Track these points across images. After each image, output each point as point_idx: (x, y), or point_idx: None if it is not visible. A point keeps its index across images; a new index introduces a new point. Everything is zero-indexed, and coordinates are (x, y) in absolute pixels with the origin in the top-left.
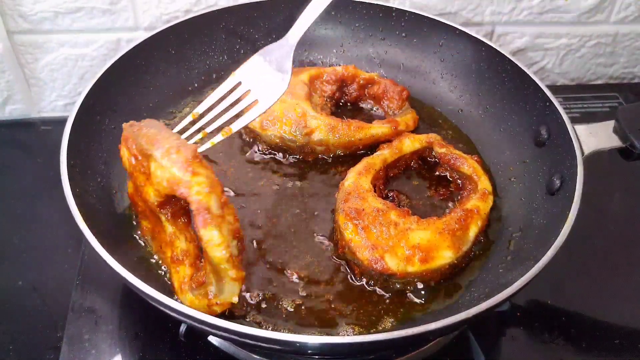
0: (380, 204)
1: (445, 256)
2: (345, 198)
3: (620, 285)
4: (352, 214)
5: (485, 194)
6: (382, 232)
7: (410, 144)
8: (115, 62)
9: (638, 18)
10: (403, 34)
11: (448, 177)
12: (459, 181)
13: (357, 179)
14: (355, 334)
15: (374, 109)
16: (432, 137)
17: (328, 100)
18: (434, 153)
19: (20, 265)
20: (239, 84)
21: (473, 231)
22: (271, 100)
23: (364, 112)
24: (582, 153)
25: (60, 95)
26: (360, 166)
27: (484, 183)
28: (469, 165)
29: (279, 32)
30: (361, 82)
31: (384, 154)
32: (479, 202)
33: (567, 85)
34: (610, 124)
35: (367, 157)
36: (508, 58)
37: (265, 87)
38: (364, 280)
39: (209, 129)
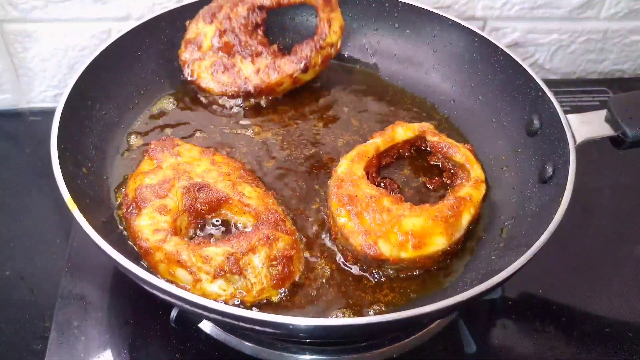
0: (374, 191)
1: (438, 242)
2: (338, 185)
3: (610, 276)
4: (345, 200)
5: (478, 182)
6: (375, 218)
7: (403, 132)
8: (108, 47)
9: (628, 15)
10: (396, 25)
11: (441, 165)
12: (452, 169)
13: (350, 166)
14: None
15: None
16: (425, 125)
17: (253, 29)
18: (426, 142)
19: (8, 256)
20: None
21: (466, 218)
22: None
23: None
24: (575, 141)
25: (50, 86)
26: (353, 153)
27: (477, 171)
28: (461, 153)
29: (274, 18)
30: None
31: (376, 142)
32: (471, 190)
33: (557, 79)
34: (602, 113)
35: (360, 144)
36: (501, 49)
37: None
38: (357, 265)
39: None
